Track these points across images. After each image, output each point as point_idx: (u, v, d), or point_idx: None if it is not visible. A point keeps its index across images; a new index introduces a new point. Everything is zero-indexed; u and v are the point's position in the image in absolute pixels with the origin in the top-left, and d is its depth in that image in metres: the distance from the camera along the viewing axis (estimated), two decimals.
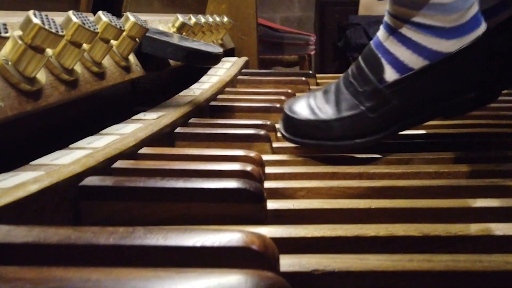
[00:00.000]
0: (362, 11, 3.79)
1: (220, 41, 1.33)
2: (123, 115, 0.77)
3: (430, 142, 0.71)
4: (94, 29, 0.55)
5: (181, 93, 0.94)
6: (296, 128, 0.67)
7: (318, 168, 0.62)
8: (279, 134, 0.78)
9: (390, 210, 0.47)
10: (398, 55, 0.62)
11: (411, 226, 0.41)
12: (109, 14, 0.62)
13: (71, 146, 0.55)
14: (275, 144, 0.72)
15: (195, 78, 1.11)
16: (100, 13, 0.61)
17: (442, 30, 0.60)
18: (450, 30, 0.60)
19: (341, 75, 1.36)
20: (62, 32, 0.48)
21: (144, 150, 0.57)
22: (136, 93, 0.92)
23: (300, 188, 0.54)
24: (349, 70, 0.67)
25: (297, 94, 1.06)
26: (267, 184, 0.54)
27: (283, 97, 0.97)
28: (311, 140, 0.65)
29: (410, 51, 0.61)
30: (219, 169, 0.50)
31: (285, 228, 0.41)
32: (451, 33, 0.60)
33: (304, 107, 0.67)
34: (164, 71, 0.99)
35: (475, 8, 0.60)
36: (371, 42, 0.65)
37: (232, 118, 0.88)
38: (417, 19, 0.60)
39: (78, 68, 0.58)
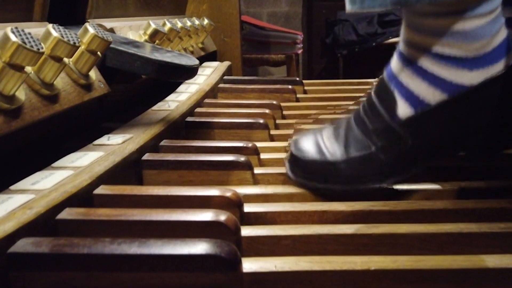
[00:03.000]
0: None
1: (200, 45, 1.25)
2: (88, 134, 0.69)
3: (431, 170, 0.63)
4: (38, 49, 0.46)
5: (155, 107, 0.85)
6: (303, 169, 0.58)
7: (305, 204, 0.53)
8: (263, 156, 0.70)
9: (393, 272, 0.39)
10: (413, 88, 0.53)
11: None
12: (61, 28, 0.53)
13: (12, 187, 0.46)
14: (257, 170, 0.64)
15: (172, 87, 1.02)
16: (49, 26, 0.52)
17: (464, 60, 0.51)
18: (474, 60, 0.51)
19: (332, 80, 1.29)
20: None
21: (100, 190, 0.49)
22: (104, 108, 0.83)
23: (285, 236, 0.46)
24: (361, 105, 0.58)
25: (282, 104, 0.98)
26: (246, 231, 0.46)
27: (267, 110, 0.88)
28: (319, 183, 0.57)
29: (427, 83, 0.52)
30: (187, 220, 0.42)
31: None
32: (475, 63, 0.51)
33: (311, 145, 0.59)
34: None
35: (502, 34, 0.52)
36: (384, 73, 0.57)
37: (210, 137, 0.80)
38: (436, 48, 0.52)
39: (21, 93, 0.49)
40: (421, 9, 0.52)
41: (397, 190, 0.58)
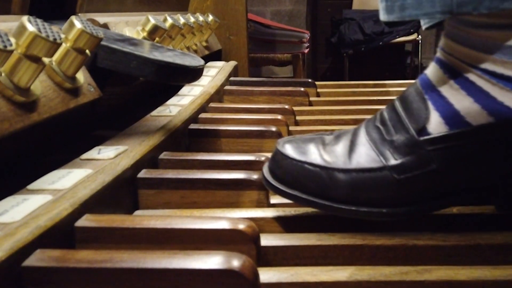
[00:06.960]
0: (356, 5, 3.61)
1: (204, 43, 1.15)
2: (77, 146, 0.60)
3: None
4: (5, 46, 0.37)
5: (154, 112, 0.76)
6: (286, 171, 0.47)
7: (335, 236, 0.44)
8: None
9: None
10: (453, 101, 0.43)
11: None
12: (39, 21, 0.44)
13: None
14: None
15: (174, 89, 0.93)
16: (24, 19, 0.43)
17: None
18: None
19: (346, 82, 1.20)
20: None
21: (84, 221, 0.39)
22: (96, 114, 0.73)
23: (315, 283, 0.36)
24: (377, 114, 0.48)
25: (295, 108, 0.89)
26: (266, 276, 0.37)
27: (279, 116, 0.79)
28: (301, 194, 0.46)
29: (472, 99, 0.42)
30: (190, 268, 0.32)
31: None
32: None
33: (302, 145, 0.48)
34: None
35: None
36: (418, 80, 0.47)
37: (216, 147, 0.71)
38: (486, 65, 0.42)
39: None
40: (473, 19, 0.42)
41: (442, 216, 0.49)
